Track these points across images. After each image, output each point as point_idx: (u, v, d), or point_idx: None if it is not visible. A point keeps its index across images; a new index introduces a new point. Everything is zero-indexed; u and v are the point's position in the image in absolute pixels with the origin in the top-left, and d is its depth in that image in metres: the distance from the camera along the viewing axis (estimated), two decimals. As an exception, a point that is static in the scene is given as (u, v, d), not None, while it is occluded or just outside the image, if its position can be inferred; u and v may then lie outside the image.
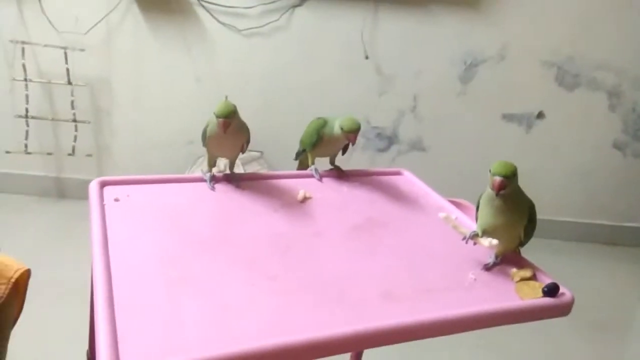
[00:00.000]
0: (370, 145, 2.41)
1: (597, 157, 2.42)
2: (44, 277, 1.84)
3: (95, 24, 2.15)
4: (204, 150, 1.02)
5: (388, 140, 2.40)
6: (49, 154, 2.34)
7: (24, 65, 2.15)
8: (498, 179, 0.78)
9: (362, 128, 2.34)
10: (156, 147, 2.37)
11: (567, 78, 2.30)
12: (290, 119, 2.24)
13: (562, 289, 0.78)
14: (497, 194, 0.79)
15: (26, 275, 0.88)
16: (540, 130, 2.38)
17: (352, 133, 1.01)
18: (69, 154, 2.30)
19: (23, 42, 2.13)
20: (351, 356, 1.25)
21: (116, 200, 0.89)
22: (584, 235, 2.51)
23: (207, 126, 0.97)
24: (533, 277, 0.83)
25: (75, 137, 2.28)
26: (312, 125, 1.08)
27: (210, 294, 0.70)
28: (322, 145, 1.08)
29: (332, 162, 1.14)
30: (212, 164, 1.04)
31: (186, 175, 1.02)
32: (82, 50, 2.15)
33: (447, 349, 1.66)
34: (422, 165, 2.36)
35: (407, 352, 1.62)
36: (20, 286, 0.88)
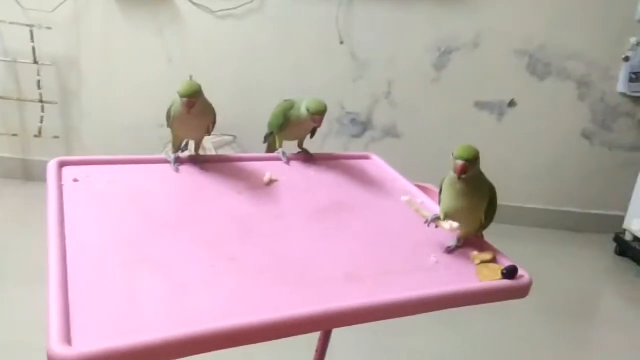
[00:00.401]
0: (344, 131, 2.40)
1: (565, 146, 2.46)
2: (8, 259, 1.82)
3: (63, 2, 2.09)
4: (175, 132, 1.00)
5: (362, 126, 2.40)
6: (14, 135, 2.27)
7: (-13, 43, 2.09)
8: (460, 162, 0.79)
9: (337, 114, 2.37)
10: (126, 129, 2.32)
11: (539, 67, 2.33)
12: (264, 103, 2.19)
13: (520, 272, 0.80)
14: (459, 177, 0.80)
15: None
16: (511, 119, 2.41)
17: (317, 115, 1.00)
18: (36, 136, 2.25)
19: (-14, 19, 2.06)
20: (319, 337, 1.25)
21: (75, 180, 0.87)
22: (552, 222, 2.56)
23: (171, 106, 0.95)
24: (493, 260, 0.84)
25: (42, 118, 2.22)
26: (279, 108, 1.07)
27: (168, 274, 0.69)
28: (289, 128, 1.06)
29: (300, 146, 1.13)
30: (177, 145, 1.02)
31: (149, 156, 1.00)
32: (49, 28, 2.09)
33: (419, 333, 1.68)
34: (396, 152, 2.37)
35: (376, 336, 1.64)
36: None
